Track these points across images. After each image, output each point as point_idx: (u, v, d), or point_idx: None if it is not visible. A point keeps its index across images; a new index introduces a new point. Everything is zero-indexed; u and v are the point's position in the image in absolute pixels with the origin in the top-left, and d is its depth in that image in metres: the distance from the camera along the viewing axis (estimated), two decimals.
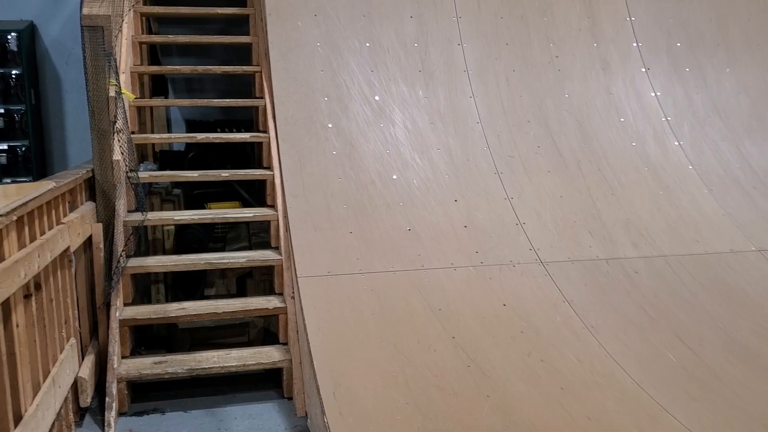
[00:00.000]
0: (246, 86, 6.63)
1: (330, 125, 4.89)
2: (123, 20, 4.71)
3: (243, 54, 5.84)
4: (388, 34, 5.32)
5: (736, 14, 5.83)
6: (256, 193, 5.77)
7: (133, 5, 5.22)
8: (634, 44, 5.61)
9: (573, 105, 5.33)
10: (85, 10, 4.27)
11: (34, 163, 6.38)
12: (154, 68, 5.83)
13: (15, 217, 2.77)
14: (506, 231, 4.64)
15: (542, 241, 4.60)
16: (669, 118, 5.42)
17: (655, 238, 4.75)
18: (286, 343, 4.19)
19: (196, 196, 5.89)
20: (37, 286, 3.10)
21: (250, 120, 6.33)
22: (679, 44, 5.68)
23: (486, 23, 5.48)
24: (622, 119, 5.35)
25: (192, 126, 6.90)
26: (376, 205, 4.60)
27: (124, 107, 4.40)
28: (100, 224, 4.23)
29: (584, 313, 4.17)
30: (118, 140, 4.29)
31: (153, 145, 6.15)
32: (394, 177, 4.77)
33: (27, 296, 2.95)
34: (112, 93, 4.28)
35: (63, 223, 3.55)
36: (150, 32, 6.39)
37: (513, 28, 5.50)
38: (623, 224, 4.81)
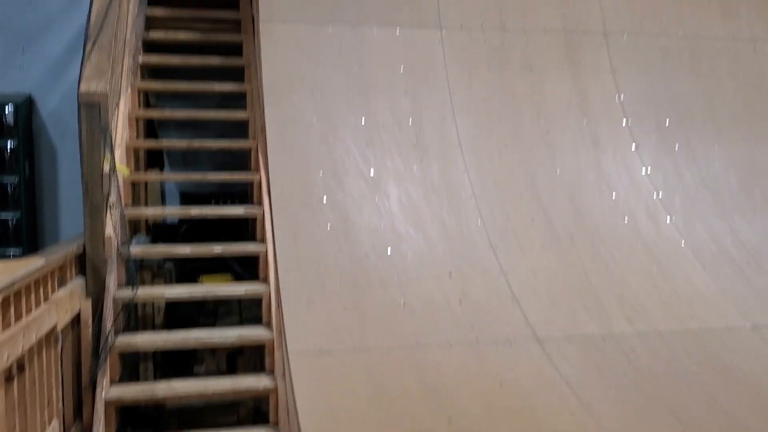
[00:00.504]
0: (242, 158, 6.66)
1: (325, 199, 4.91)
2: (120, 97, 4.77)
3: (240, 126, 5.91)
4: (383, 109, 5.40)
5: (722, 91, 5.98)
6: (249, 264, 5.73)
7: (131, 82, 5.30)
8: (624, 120, 5.71)
9: (565, 180, 5.38)
10: (83, 87, 4.32)
11: (24, 234, 6.35)
12: (150, 143, 5.88)
13: (1, 298, 2.72)
14: (501, 306, 4.60)
15: (538, 317, 4.55)
16: (660, 194, 5.47)
17: (650, 314, 4.72)
18: (276, 424, 4.07)
19: (188, 268, 5.84)
20: (20, 368, 3.02)
21: (245, 191, 6.35)
22: (667, 120, 5.78)
23: (478, 99, 5.58)
24: (613, 194, 5.38)
25: (186, 198, 6.92)
26: (370, 279, 4.57)
27: (117, 183, 4.41)
28: (90, 300, 4.17)
29: (581, 391, 4.09)
30: (111, 215, 4.27)
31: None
32: (389, 250, 4.76)
33: (9, 379, 2.87)
34: (106, 169, 4.29)
35: (51, 301, 3.50)
36: (147, 105, 6.47)
37: (504, 104, 5.60)
38: (618, 300, 4.78)
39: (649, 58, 5.92)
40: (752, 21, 6.23)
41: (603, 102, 5.72)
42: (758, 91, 6.01)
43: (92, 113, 4.34)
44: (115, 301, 4.21)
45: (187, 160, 7.17)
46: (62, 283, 3.91)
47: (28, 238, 6.43)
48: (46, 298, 3.50)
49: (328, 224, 4.77)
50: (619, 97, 5.77)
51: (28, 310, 3.17)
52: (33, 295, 3.26)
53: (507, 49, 5.74)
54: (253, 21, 5.79)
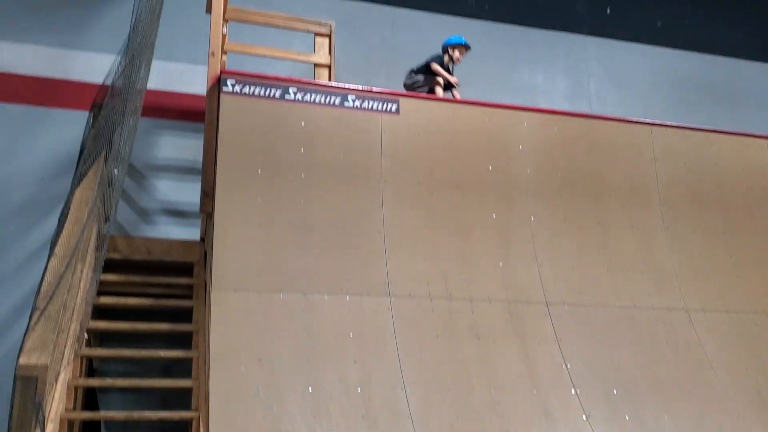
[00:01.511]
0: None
1: None
2: (62, 368, 4.63)
3: (184, 393, 5.71)
4: (331, 378, 5.32)
5: (664, 361, 6.10)
6: None
7: (75, 349, 5.19)
8: (573, 391, 5.71)
9: None
10: (22, 360, 4.18)
11: None
12: (87, 415, 5.60)
13: None
14: None
15: None
16: None
17: None
18: None
19: None
20: None
21: None
22: (615, 391, 5.81)
23: (428, 368, 5.56)
24: None
25: None
26: None
27: None
28: None
29: None
30: None
31: None
32: None
33: None
34: None
35: None
36: (90, 366, 6.26)
37: (454, 373, 5.58)
38: None
39: (590, 327, 6.11)
40: (684, 292, 6.59)
41: (550, 371, 5.76)
42: (699, 364, 6.16)
43: (28, 387, 4.17)
44: None
45: (127, 424, 6.77)
46: None
47: None
48: None
49: None
50: (566, 365, 5.84)
51: None
52: None
53: (454, 317, 5.89)
54: (206, 287, 5.89)
